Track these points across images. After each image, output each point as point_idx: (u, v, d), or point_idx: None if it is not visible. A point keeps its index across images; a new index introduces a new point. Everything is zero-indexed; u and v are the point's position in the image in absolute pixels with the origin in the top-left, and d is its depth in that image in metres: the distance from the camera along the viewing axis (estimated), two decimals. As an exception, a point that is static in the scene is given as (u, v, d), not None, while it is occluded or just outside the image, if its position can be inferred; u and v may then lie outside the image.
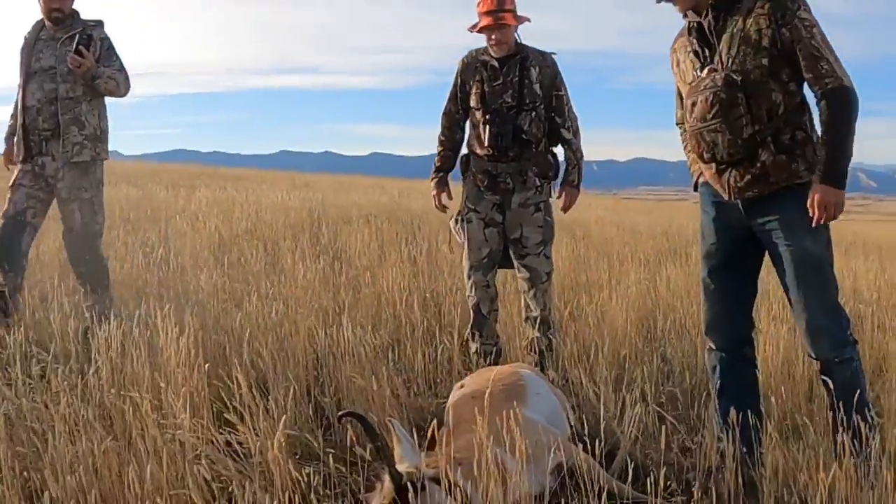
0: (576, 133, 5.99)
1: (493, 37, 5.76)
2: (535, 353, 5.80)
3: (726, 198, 4.08)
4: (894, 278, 8.57)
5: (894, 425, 4.35)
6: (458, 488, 3.38)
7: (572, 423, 4.42)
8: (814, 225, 3.86)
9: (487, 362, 5.60)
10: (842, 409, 3.77)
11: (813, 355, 4.06)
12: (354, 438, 3.69)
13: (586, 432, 3.87)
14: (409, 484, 3.32)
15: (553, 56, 5.99)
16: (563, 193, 6.05)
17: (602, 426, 3.92)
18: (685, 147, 4.30)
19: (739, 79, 3.89)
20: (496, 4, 5.68)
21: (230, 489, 3.25)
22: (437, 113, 6.21)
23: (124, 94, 6.35)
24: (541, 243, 5.86)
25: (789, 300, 4.10)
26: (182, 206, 13.00)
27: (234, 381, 4.08)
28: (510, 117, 5.78)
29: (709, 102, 3.92)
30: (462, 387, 4.58)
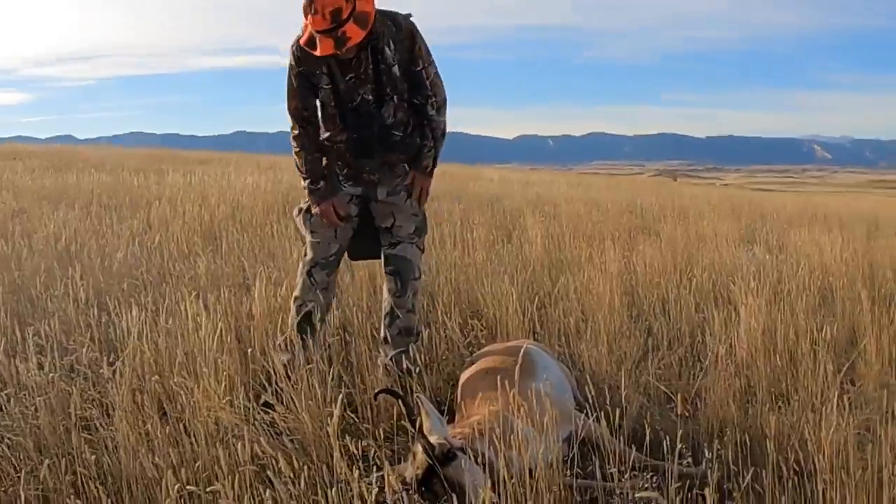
0: (440, 107, 5.16)
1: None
2: (394, 374, 5.04)
3: None
4: (859, 251, 8.89)
5: (875, 388, 4.75)
6: (482, 457, 3.66)
7: (577, 395, 4.73)
8: None
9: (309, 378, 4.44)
10: None
11: None
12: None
13: (590, 403, 4.16)
14: (440, 454, 3.56)
15: (408, 18, 5.00)
16: (412, 180, 5.25)
17: (607, 397, 4.25)
18: None
19: None
20: (332, 19, 4.60)
21: (278, 465, 3.51)
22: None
23: None
24: (414, 233, 5.26)
25: None
26: (157, 191, 13.14)
27: (270, 364, 4.40)
28: (372, 115, 5.01)
29: None
30: (473, 363, 4.82)
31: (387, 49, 4.89)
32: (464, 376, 4.74)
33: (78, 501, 3.31)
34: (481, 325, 5.98)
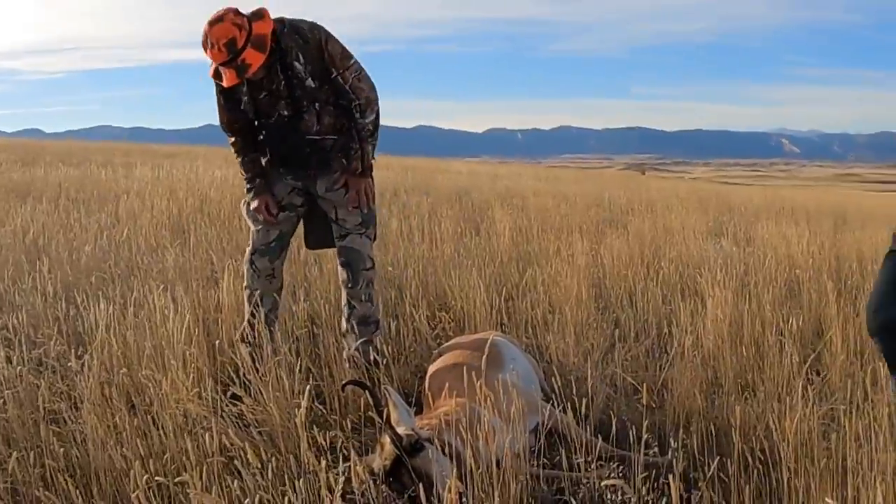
0: (364, 109, 5.03)
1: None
2: (362, 367, 5.03)
3: None
4: (825, 244, 8.98)
5: (840, 378, 4.81)
6: (450, 447, 3.68)
7: (544, 386, 4.76)
8: None
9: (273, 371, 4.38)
10: None
11: None
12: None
13: (557, 394, 4.19)
14: (408, 445, 3.60)
15: (314, 26, 4.94)
16: (344, 183, 5.19)
17: (574, 388, 4.28)
18: None
19: None
20: (228, 50, 4.61)
21: (246, 456, 3.52)
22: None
23: None
24: (361, 224, 5.22)
25: None
26: (126, 185, 13.10)
27: (238, 356, 4.41)
28: (288, 129, 5.01)
29: None
30: (440, 355, 4.84)
31: (296, 63, 4.87)
32: (431, 368, 4.76)
33: (47, 493, 3.32)
34: (449, 317, 6.00)
